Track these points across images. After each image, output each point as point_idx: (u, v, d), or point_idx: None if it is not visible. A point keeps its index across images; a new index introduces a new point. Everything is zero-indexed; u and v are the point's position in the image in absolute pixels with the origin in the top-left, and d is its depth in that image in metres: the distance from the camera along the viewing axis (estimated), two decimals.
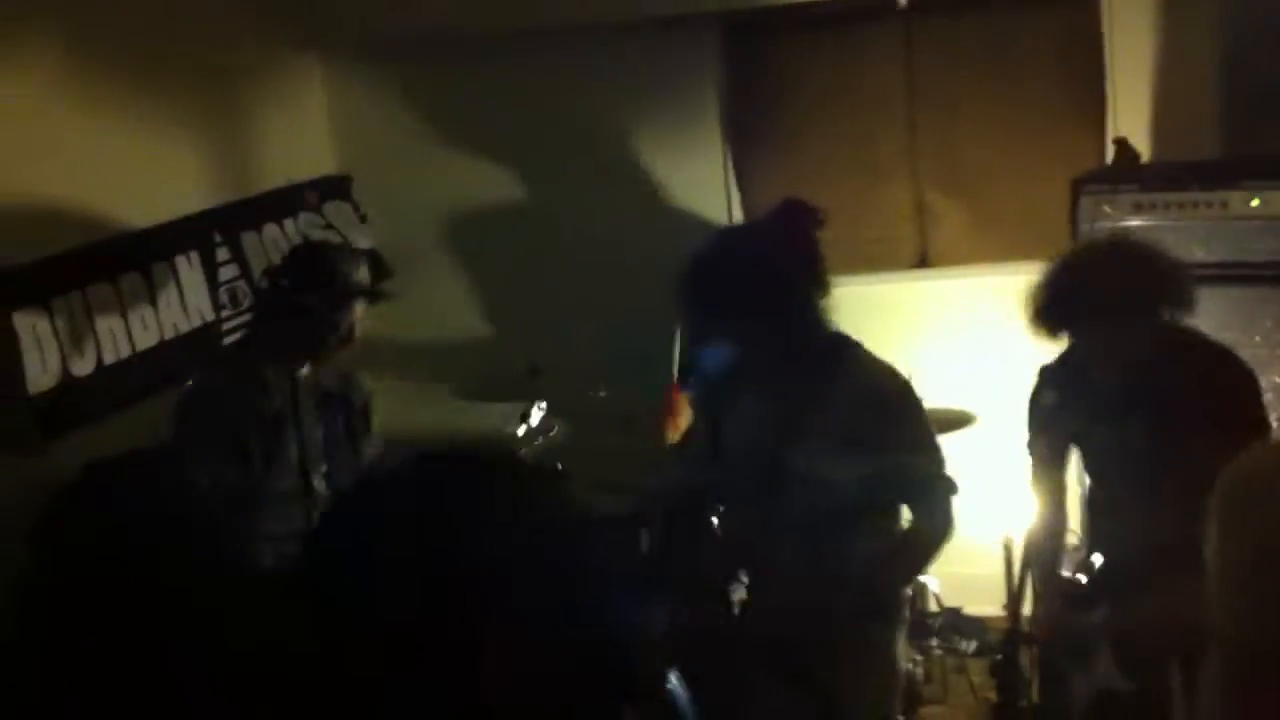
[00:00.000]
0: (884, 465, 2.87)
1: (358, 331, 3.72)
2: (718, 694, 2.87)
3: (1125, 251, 3.27)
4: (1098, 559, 3.23)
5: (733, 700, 2.89)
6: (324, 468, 3.76)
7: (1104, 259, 3.26)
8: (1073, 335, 3.19)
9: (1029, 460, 3.33)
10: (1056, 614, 3.28)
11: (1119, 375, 3.17)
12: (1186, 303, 3.13)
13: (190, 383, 3.72)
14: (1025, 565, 3.17)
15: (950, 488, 2.99)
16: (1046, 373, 3.36)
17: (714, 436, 3.11)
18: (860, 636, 2.98)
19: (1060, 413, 3.17)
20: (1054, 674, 3.34)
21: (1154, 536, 3.13)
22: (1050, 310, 3.14)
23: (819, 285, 2.94)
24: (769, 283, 2.89)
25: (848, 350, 3.01)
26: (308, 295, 3.59)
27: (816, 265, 2.94)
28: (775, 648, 2.91)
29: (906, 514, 3.15)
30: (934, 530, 3.01)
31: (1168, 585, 3.06)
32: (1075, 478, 3.60)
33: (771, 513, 2.94)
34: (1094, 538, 3.35)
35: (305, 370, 3.70)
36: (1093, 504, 3.35)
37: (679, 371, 4.68)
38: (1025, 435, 3.35)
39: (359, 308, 3.70)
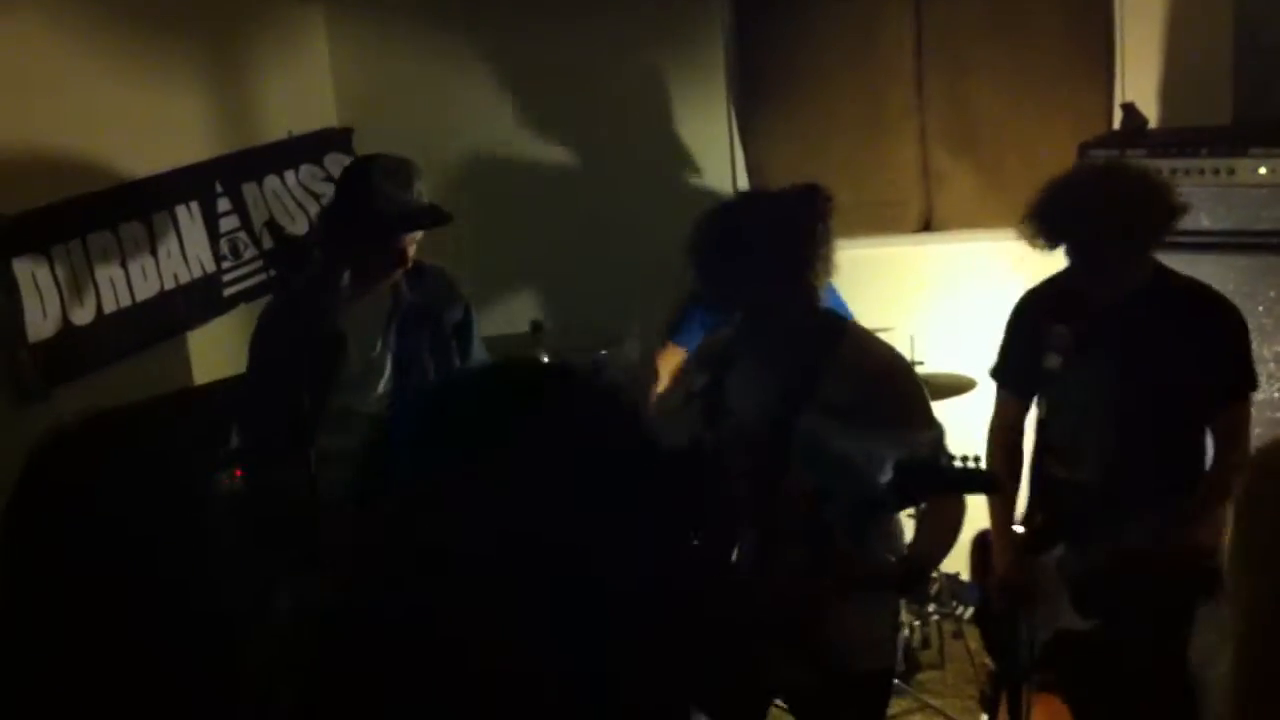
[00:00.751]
0: (886, 439, 2.88)
1: (411, 253, 3.56)
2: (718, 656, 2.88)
3: (1119, 174, 3.34)
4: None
5: (737, 663, 2.91)
6: (383, 387, 3.62)
7: (1098, 176, 3.30)
8: (1065, 249, 3.22)
9: (997, 386, 3.45)
10: (1010, 555, 3.34)
11: (1105, 304, 3.21)
12: (1161, 231, 3.18)
13: (265, 307, 3.68)
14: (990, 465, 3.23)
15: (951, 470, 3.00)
16: (1030, 296, 3.40)
17: (712, 397, 3.11)
18: (865, 608, 3.00)
19: (1038, 338, 3.19)
20: (1001, 614, 3.36)
21: (1115, 476, 3.22)
22: (1043, 219, 3.19)
23: (824, 267, 2.96)
24: (781, 256, 2.91)
25: (845, 327, 3.05)
26: (355, 222, 3.49)
27: (825, 247, 2.96)
28: (778, 614, 2.93)
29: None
30: (947, 507, 3.04)
31: (1130, 528, 3.13)
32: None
33: (773, 485, 2.95)
34: (1043, 481, 3.33)
35: (383, 285, 3.58)
36: (1044, 445, 3.30)
37: (669, 328, 4.65)
38: (995, 359, 3.46)
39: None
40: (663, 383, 4.49)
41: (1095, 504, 3.23)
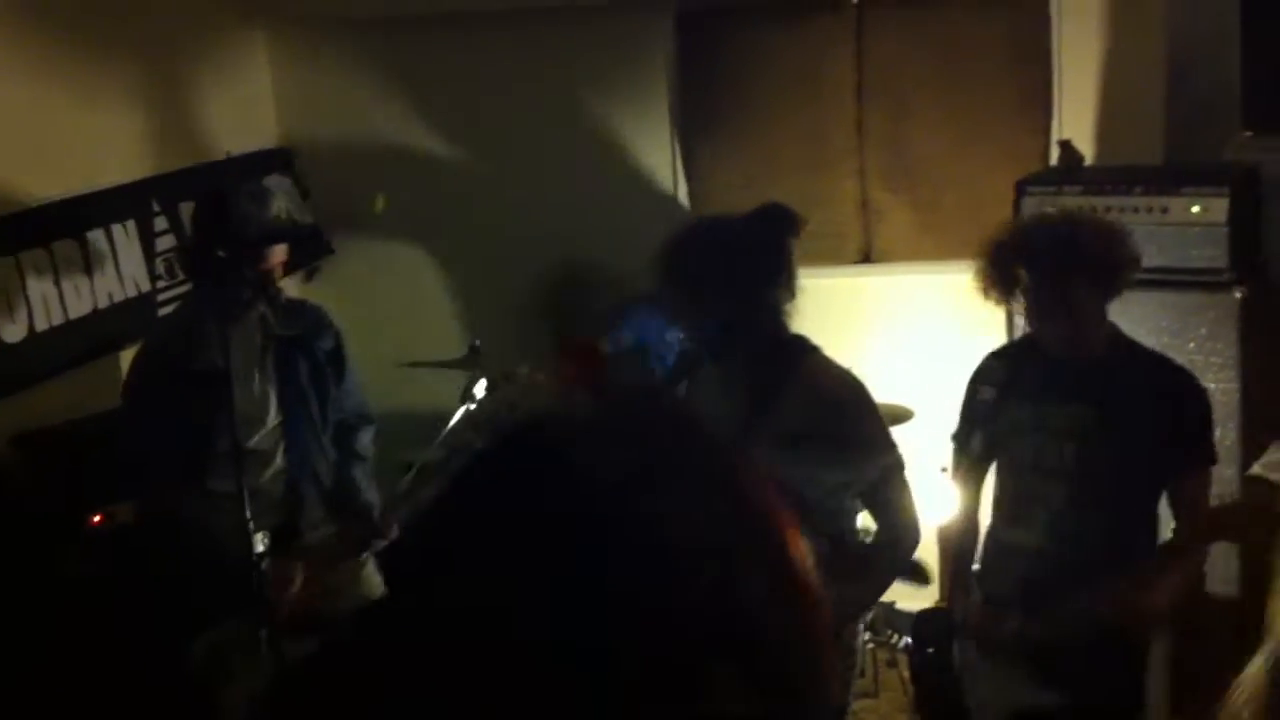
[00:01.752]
0: (837, 466, 2.88)
1: (278, 274, 3.58)
2: None
3: (1081, 219, 3.30)
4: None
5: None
6: (271, 422, 3.62)
7: (1060, 220, 3.29)
8: (1022, 294, 3.16)
9: (955, 453, 3.35)
10: (973, 615, 3.29)
11: (1062, 360, 3.17)
12: (1118, 284, 3.16)
13: (138, 347, 3.64)
14: (942, 558, 3.18)
15: (906, 494, 3.01)
16: (987, 364, 3.37)
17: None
18: None
19: (997, 405, 3.18)
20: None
21: (1067, 541, 3.15)
22: (997, 267, 3.15)
23: (787, 289, 2.96)
24: (742, 276, 2.92)
25: (805, 353, 3.02)
26: (215, 245, 3.45)
27: (789, 268, 2.96)
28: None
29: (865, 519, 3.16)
30: (898, 539, 3.03)
31: (1084, 594, 3.08)
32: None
33: None
34: (996, 548, 3.33)
35: (255, 318, 3.58)
36: (1000, 512, 3.30)
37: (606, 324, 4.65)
38: (955, 426, 3.38)
39: (278, 248, 3.54)
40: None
41: (1047, 570, 3.16)
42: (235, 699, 3.37)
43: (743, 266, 2.92)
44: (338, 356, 3.80)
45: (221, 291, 3.45)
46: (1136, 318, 4.04)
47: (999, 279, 3.16)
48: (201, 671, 3.45)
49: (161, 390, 3.45)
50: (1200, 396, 3.23)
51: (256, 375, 3.59)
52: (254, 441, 3.54)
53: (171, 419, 3.40)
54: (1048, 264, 3.08)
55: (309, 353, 3.71)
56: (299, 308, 3.78)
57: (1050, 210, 3.60)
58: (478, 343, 4.70)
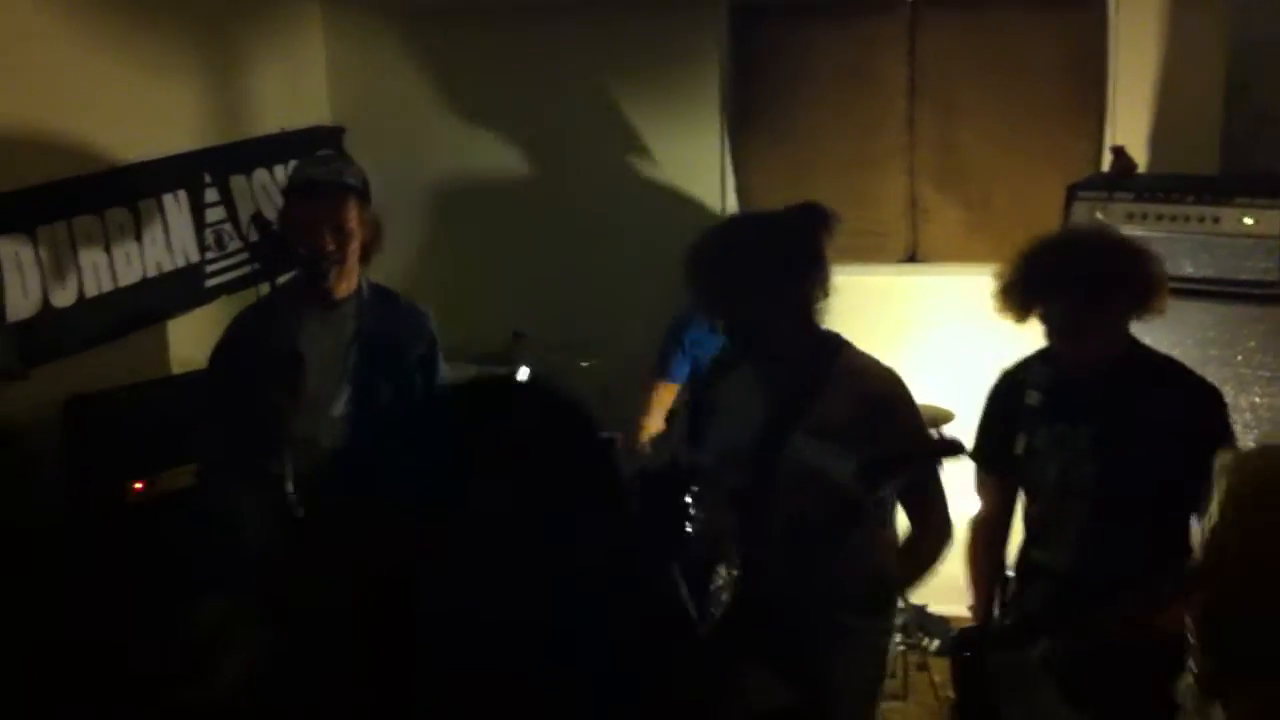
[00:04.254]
0: (876, 462, 2.87)
1: (351, 248, 3.45)
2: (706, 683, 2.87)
3: (1108, 240, 3.23)
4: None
5: (721, 691, 2.89)
6: (337, 412, 3.53)
7: (1086, 241, 3.23)
8: (1041, 315, 3.10)
9: (992, 457, 3.31)
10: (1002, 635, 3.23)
11: (1080, 378, 3.11)
12: (1154, 305, 3.08)
13: (231, 321, 3.61)
14: (969, 558, 3.16)
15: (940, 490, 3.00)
16: (1005, 376, 3.31)
17: (695, 420, 3.11)
18: (852, 630, 2.99)
19: (1013, 416, 3.14)
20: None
21: (1095, 559, 3.10)
22: (1023, 284, 3.09)
23: (821, 287, 2.95)
24: (774, 274, 2.90)
25: (840, 348, 3.02)
26: (274, 225, 3.46)
27: (823, 267, 2.95)
28: (765, 639, 2.92)
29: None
30: (932, 535, 3.02)
31: (1113, 611, 3.04)
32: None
33: (762, 505, 2.94)
34: (1027, 568, 3.30)
35: (348, 311, 3.53)
36: (1029, 533, 3.26)
37: (659, 364, 4.67)
38: (982, 429, 3.34)
39: (340, 208, 3.40)
40: (654, 418, 4.49)
41: (1076, 589, 3.11)
42: (235, 666, 3.40)
43: (775, 264, 2.91)
44: (430, 363, 3.69)
45: (307, 275, 3.42)
46: (1184, 329, 4.02)
47: (1020, 295, 3.09)
48: (204, 637, 3.48)
49: (235, 367, 3.43)
50: (1217, 405, 3.15)
51: (337, 367, 3.53)
52: (315, 431, 3.48)
53: (239, 397, 3.37)
54: (1078, 282, 3.01)
55: (397, 353, 3.61)
56: (397, 307, 3.67)
57: (1081, 225, 3.52)
58: (522, 330, 4.71)
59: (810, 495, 2.87)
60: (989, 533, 3.37)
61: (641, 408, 4.56)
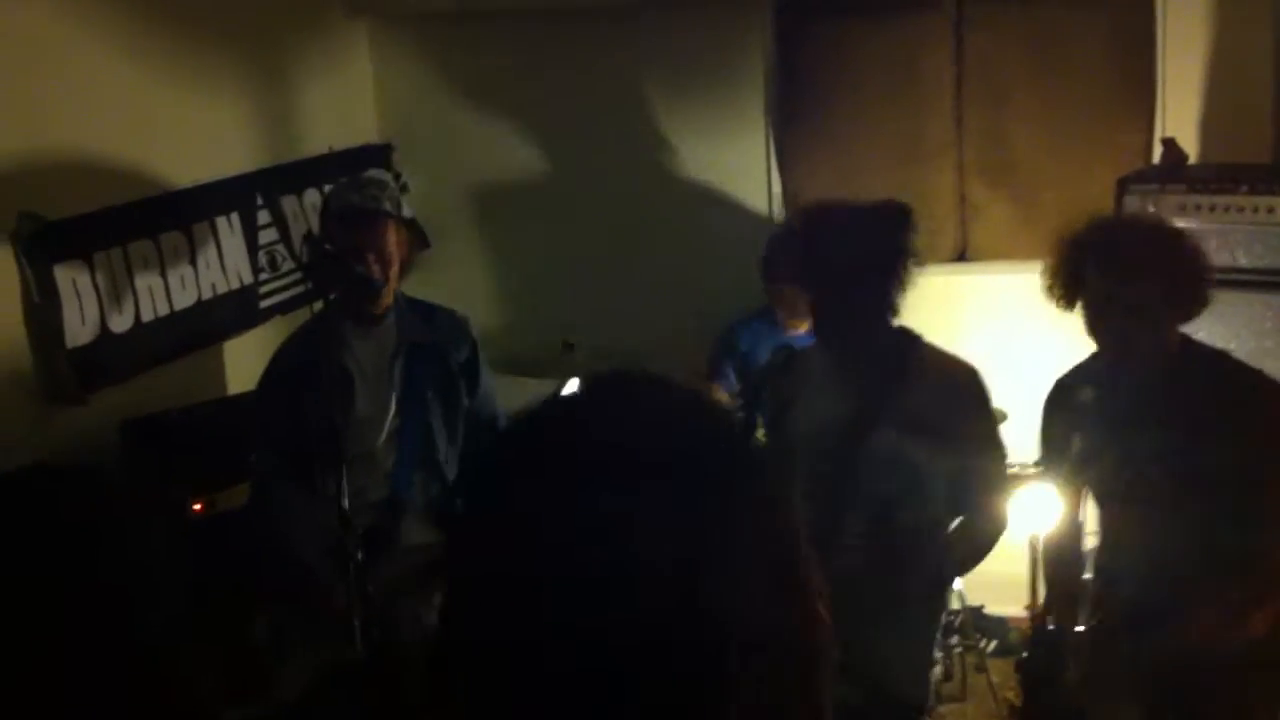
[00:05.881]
0: (953, 459, 2.91)
1: (393, 266, 3.51)
2: None
3: (1157, 229, 3.17)
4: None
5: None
6: (388, 427, 3.59)
7: (1134, 224, 3.18)
8: (1085, 300, 3.05)
9: (1054, 459, 3.26)
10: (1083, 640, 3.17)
11: (1136, 382, 3.06)
12: (1199, 299, 3.01)
13: (278, 347, 3.68)
14: (1046, 573, 3.13)
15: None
16: (1061, 382, 3.25)
17: (760, 409, 3.12)
18: (907, 624, 3.01)
19: (1076, 426, 3.07)
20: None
21: (1179, 564, 3.01)
22: (1069, 267, 3.05)
23: (904, 282, 2.99)
24: (874, 266, 2.99)
25: (919, 343, 3.08)
26: (325, 239, 3.49)
27: (908, 263, 3.02)
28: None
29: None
30: (989, 527, 3.05)
31: (1184, 623, 2.96)
32: None
33: (843, 495, 2.98)
34: (1102, 574, 3.25)
35: (390, 324, 3.58)
36: (1101, 538, 3.23)
37: (710, 368, 4.69)
38: (1045, 433, 3.29)
39: (384, 233, 3.48)
40: None
41: (1153, 592, 3.05)
42: (294, 675, 3.44)
43: (873, 257, 2.99)
44: (473, 368, 3.75)
45: (341, 290, 3.47)
46: (1239, 321, 3.97)
47: (1066, 280, 3.06)
48: (263, 647, 3.52)
49: (286, 391, 3.49)
50: (1275, 394, 3.07)
51: (383, 380, 3.58)
52: (372, 445, 3.54)
53: (291, 419, 3.43)
54: (1125, 268, 2.94)
55: (440, 362, 3.66)
56: (439, 315, 3.74)
57: (1132, 211, 3.46)
58: (571, 340, 4.73)
59: (892, 485, 2.92)
60: (1061, 540, 3.30)
61: None
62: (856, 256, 2.97)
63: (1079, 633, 3.18)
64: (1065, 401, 3.17)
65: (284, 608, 3.54)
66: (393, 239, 3.52)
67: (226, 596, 3.45)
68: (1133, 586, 3.13)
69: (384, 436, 3.60)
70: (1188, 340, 3.12)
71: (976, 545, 3.13)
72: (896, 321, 3.11)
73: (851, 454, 2.97)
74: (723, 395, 4.65)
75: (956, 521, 3.16)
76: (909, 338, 3.11)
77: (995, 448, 3.10)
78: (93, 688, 1.32)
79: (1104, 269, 2.97)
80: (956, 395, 3.01)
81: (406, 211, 4.61)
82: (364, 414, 3.53)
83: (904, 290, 3.03)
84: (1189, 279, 3.00)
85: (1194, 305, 3.02)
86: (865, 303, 3.01)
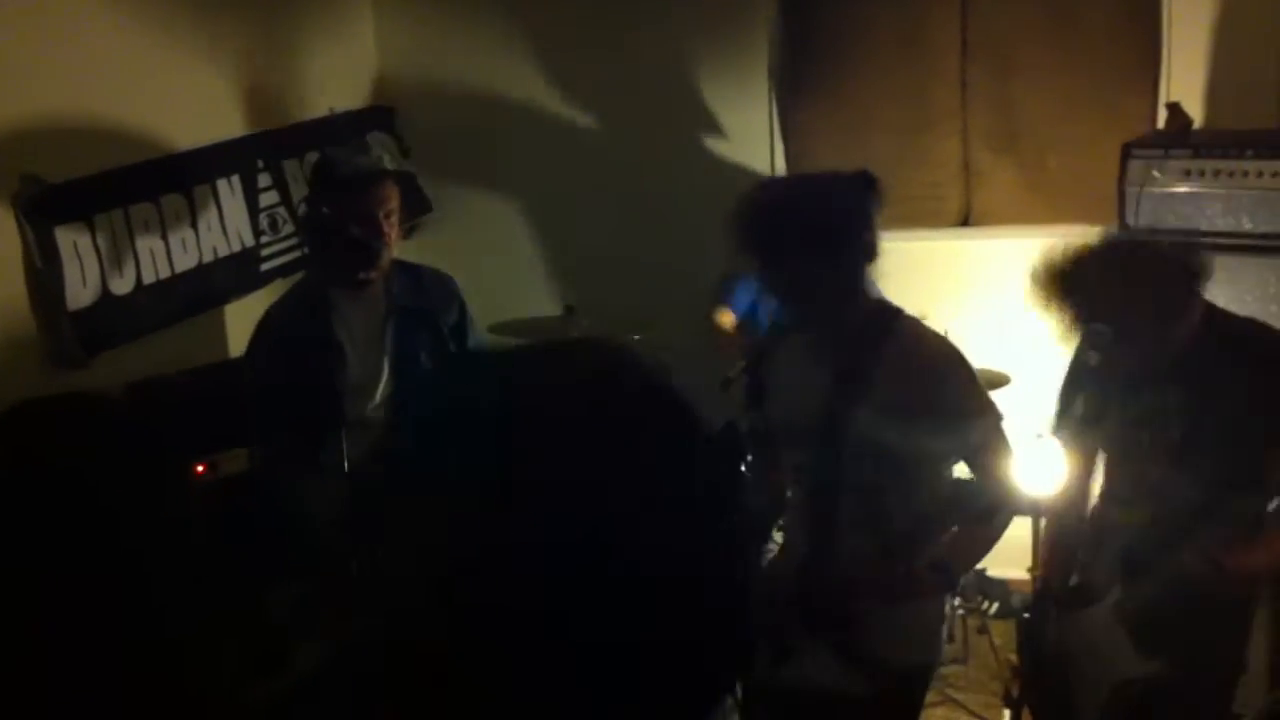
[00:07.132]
0: (938, 433, 2.87)
1: (389, 230, 3.47)
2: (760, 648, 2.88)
3: (1122, 265, 3.08)
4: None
5: (774, 656, 2.90)
6: (380, 394, 3.57)
7: (1103, 267, 3.14)
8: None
9: (1063, 421, 3.26)
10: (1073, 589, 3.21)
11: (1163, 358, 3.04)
12: (1181, 300, 2.99)
13: (263, 316, 3.64)
14: (1046, 533, 3.13)
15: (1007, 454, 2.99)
16: (1093, 331, 3.28)
17: (754, 384, 3.09)
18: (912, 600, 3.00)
19: (1104, 372, 3.09)
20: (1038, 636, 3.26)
21: (1184, 518, 3.03)
22: (1061, 314, 3.03)
23: (870, 256, 2.91)
24: (821, 239, 2.85)
25: (897, 318, 2.99)
26: (321, 202, 3.46)
27: (872, 234, 2.90)
28: (824, 607, 2.92)
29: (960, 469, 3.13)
30: (1000, 504, 3.00)
31: (1188, 551, 3.01)
32: None
33: (822, 473, 2.94)
34: (1101, 526, 3.27)
35: (379, 288, 3.55)
36: (1107, 494, 3.22)
37: (721, 292, 4.67)
38: (1061, 393, 3.30)
39: (389, 195, 3.45)
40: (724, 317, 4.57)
41: (1151, 541, 3.08)
42: (315, 651, 3.44)
43: (821, 229, 2.83)
44: (462, 330, 3.73)
45: (341, 257, 3.44)
46: (1244, 285, 3.96)
47: (1065, 323, 3.03)
48: (285, 622, 3.52)
49: (277, 358, 3.46)
50: None
51: (374, 346, 3.56)
52: (366, 411, 3.53)
53: (284, 387, 3.40)
54: (1114, 314, 2.92)
55: (431, 325, 3.64)
56: (424, 278, 3.71)
57: (1105, 235, 3.39)
58: (574, 304, 4.72)
59: (877, 467, 2.86)
60: (1070, 499, 3.31)
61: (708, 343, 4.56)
62: (794, 232, 2.80)
63: (1072, 587, 3.20)
64: (1097, 343, 3.16)
65: (301, 580, 3.54)
66: (396, 199, 3.49)
67: (242, 566, 3.46)
68: (1133, 534, 3.14)
69: (376, 402, 3.59)
70: (1211, 307, 3.09)
71: (990, 530, 3.08)
72: (876, 296, 3.00)
73: (831, 439, 2.88)
74: (728, 317, 4.63)
75: (957, 524, 3.13)
76: (886, 314, 2.97)
77: (985, 421, 2.96)
78: (99, 653, 1.32)
79: (1093, 318, 2.96)
80: (936, 375, 2.88)
81: (408, 167, 4.55)
82: (356, 380, 3.50)
83: (866, 264, 2.88)
84: (1174, 286, 2.98)
85: (1185, 299, 3.00)
86: (815, 281, 2.85)
